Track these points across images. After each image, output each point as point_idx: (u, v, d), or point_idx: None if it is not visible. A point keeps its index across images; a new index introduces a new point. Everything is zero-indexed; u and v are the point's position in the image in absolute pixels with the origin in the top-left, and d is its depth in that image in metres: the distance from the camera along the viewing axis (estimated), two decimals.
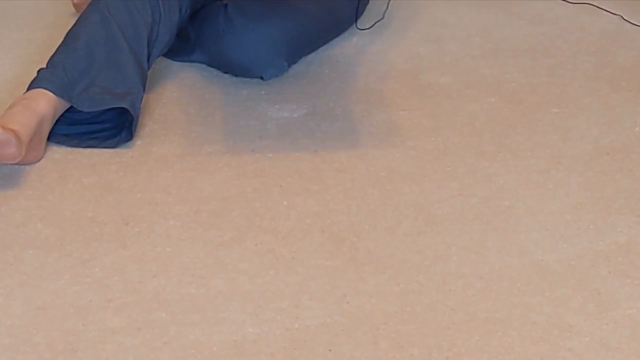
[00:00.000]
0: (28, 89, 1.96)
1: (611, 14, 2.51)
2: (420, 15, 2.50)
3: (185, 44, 2.26)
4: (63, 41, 2.04)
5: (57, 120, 1.98)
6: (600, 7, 2.53)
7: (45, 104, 1.93)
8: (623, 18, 2.49)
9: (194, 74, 2.23)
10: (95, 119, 2.02)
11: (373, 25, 2.41)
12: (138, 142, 2.00)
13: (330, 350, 1.53)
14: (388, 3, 2.46)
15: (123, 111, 2.00)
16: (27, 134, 1.86)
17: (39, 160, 1.93)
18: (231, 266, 1.69)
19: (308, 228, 1.78)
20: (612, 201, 1.86)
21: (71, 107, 1.99)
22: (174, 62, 2.27)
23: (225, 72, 2.22)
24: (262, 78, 2.18)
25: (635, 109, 2.14)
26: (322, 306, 1.61)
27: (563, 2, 2.56)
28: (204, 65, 2.25)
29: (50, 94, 1.94)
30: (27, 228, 1.77)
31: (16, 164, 1.89)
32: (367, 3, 2.44)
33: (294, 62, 2.23)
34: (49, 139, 1.97)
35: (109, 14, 2.03)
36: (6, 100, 2.02)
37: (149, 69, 2.08)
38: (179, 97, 2.15)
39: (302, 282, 1.66)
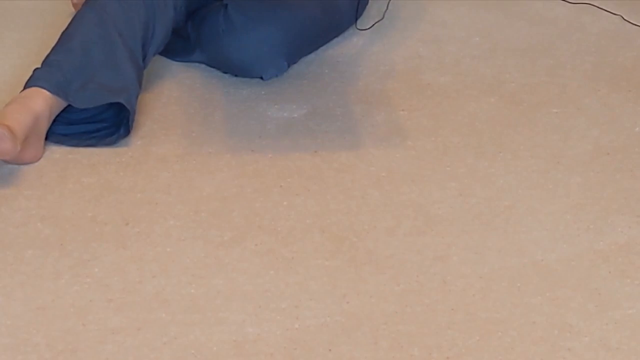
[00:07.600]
0: (24, 89, 1.96)
1: (611, 14, 2.50)
2: (420, 15, 2.50)
3: (185, 44, 2.26)
4: (58, 40, 2.03)
5: (54, 121, 1.97)
6: (600, 7, 2.52)
7: (41, 102, 1.93)
8: (623, 18, 2.49)
9: (194, 74, 2.23)
10: (93, 119, 2.01)
11: (373, 25, 2.41)
12: (138, 142, 2.00)
13: (330, 350, 1.53)
14: (388, 3, 2.46)
15: (120, 110, 2.00)
16: (22, 130, 1.86)
17: (38, 160, 1.93)
18: (231, 266, 1.69)
19: (308, 228, 1.78)
20: (612, 201, 1.86)
21: (68, 107, 1.98)
22: (173, 62, 2.26)
23: (225, 72, 2.22)
24: (262, 78, 2.18)
25: (635, 109, 2.14)
26: (322, 306, 1.61)
27: (563, 2, 2.56)
28: (204, 65, 2.25)
29: (46, 92, 1.94)
30: (27, 228, 1.77)
31: (16, 163, 1.89)
32: (367, 3, 2.44)
33: (294, 62, 2.22)
34: (47, 138, 1.96)
35: (105, 13, 2.03)
36: (6, 101, 2.01)
37: (145, 67, 2.08)
38: (179, 97, 2.15)
39: (302, 282, 1.66)
